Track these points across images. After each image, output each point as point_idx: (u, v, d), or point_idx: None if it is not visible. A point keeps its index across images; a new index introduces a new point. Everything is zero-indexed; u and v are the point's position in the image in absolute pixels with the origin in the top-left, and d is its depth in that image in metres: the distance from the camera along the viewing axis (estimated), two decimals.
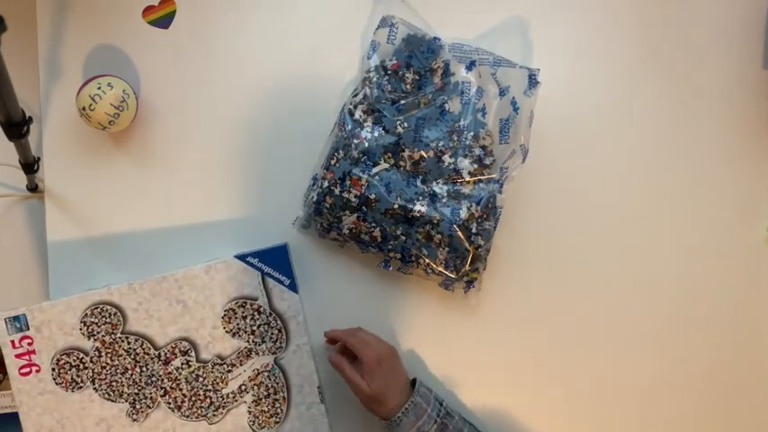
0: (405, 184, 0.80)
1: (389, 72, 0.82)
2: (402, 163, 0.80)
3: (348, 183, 0.79)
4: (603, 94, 0.89)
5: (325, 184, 0.80)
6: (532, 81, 0.82)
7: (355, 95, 0.83)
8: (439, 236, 0.80)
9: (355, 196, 0.79)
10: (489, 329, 0.87)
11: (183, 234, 0.85)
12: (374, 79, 0.82)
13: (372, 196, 0.79)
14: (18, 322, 0.79)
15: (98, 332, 0.80)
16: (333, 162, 0.80)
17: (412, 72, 0.82)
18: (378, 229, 0.80)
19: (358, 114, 0.81)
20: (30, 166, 0.79)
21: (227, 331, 0.82)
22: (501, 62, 0.83)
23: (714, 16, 0.90)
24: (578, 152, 0.88)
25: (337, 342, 0.81)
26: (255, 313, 0.82)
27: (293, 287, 0.83)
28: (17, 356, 0.79)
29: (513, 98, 0.82)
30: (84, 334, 0.80)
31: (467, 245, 0.80)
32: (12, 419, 0.84)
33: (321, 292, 0.85)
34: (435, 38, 0.83)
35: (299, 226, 0.84)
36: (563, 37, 0.89)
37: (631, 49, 0.89)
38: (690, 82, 0.89)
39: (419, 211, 0.79)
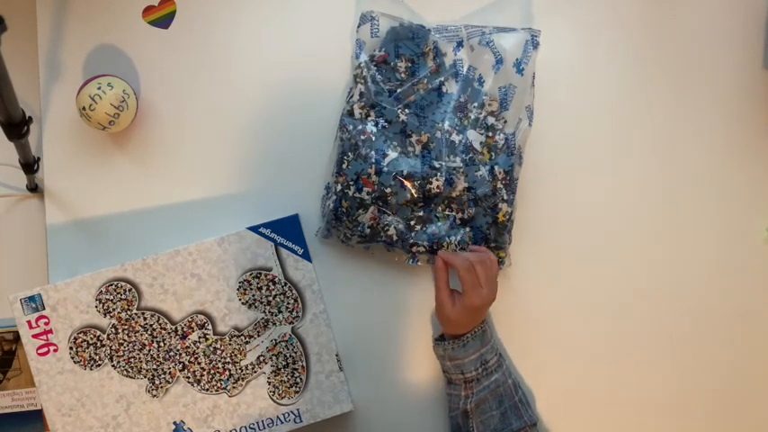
0: (419, 164, 0.80)
1: (378, 64, 0.82)
2: (411, 148, 0.81)
3: (361, 183, 0.79)
4: (603, 94, 0.89)
5: (339, 187, 0.80)
6: (534, 42, 0.83)
7: (351, 96, 0.83)
8: (461, 214, 0.81)
9: (368, 194, 0.79)
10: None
11: (183, 234, 0.84)
12: (365, 74, 0.82)
13: (388, 189, 0.79)
14: (33, 302, 0.79)
15: (114, 309, 0.80)
16: (344, 166, 0.80)
17: (404, 60, 0.82)
18: (392, 227, 0.80)
19: (357, 113, 0.81)
20: (30, 166, 0.78)
21: (242, 303, 0.82)
22: (493, 32, 0.83)
23: (714, 16, 0.90)
24: (578, 153, 0.89)
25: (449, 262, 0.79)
26: (270, 284, 0.82)
27: (306, 256, 0.83)
28: (34, 336, 0.79)
29: (517, 59, 0.82)
30: (99, 311, 0.80)
31: (494, 213, 0.81)
32: (12, 419, 0.84)
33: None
34: (419, 25, 0.83)
35: (321, 236, 0.84)
36: (563, 37, 0.89)
37: (631, 49, 0.90)
38: (689, 82, 0.90)
39: (438, 186, 0.79)
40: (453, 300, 0.78)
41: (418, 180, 0.79)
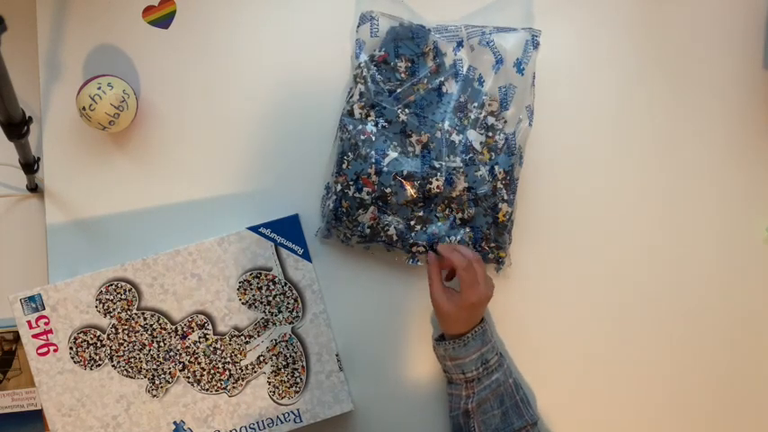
0: (419, 164, 0.80)
1: (378, 64, 0.82)
2: (411, 148, 0.81)
3: (361, 183, 0.79)
4: (603, 93, 0.89)
5: (339, 187, 0.80)
6: (534, 42, 0.83)
7: (351, 96, 0.83)
8: (461, 214, 0.81)
9: (368, 194, 0.79)
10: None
11: (183, 234, 0.84)
12: (365, 74, 0.82)
13: (388, 190, 0.79)
14: (33, 302, 0.79)
15: (114, 309, 0.80)
16: (344, 166, 0.80)
17: (404, 60, 0.82)
18: (392, 227, 0.80)
19: (357, 113, 0.81)
20: (30, 166, 0.79)
21: (243, 303, 0.82)
22: (493, 32, 0.83)
23: (714, 16, 0.90)
24: (578, 153, 0.89)
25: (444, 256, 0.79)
26: (270, 284, 0.82)
27: (306, 256, 0.83)
28: (34, 336, 0.79)
29: (518, 59, 0.82)
30: (100, 311, 0.80)
31: (494, 213, 0.81)
32: (12, 419, 0.84)
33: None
34: (419, 25, 0.83)
35: (321, 236, 0.84)
36: (563, 37, 0.89)
37: (632, 49, 0.89)
38: (689, 82, 0.90)
39: (438, 186, 0.79)
40: (447, 295, 0.78)
41: (418, 180, 0.79)
